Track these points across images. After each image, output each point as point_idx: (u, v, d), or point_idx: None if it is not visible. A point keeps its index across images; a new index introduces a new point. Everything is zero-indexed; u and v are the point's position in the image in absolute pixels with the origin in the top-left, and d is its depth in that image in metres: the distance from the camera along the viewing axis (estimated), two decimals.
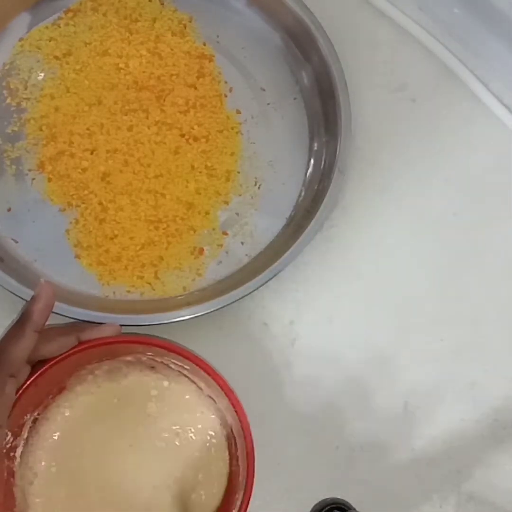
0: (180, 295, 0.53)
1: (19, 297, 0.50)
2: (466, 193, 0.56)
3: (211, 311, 0.51)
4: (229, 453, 0.50)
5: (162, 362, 0.50)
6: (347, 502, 0.52)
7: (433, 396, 0.55)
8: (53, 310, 0.49)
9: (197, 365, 0.47)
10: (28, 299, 0.49)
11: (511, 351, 0.56)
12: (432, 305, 0.55)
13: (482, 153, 0.57)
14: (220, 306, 0.51)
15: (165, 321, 0.50)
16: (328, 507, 0.52)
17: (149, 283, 0.53)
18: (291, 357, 0.54)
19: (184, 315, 0.50)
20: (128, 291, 0.53)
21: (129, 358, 0.50)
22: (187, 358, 0.47)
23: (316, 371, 0.54)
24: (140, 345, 0.48)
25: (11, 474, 0.48)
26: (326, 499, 0.53)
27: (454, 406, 0.55)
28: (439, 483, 0.55)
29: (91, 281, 0.53)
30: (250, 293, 0.51)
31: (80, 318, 0.50)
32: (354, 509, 0.51)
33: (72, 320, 0.50)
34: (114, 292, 0.53)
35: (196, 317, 0.50)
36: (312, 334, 0.55)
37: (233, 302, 0.51)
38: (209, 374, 0.47)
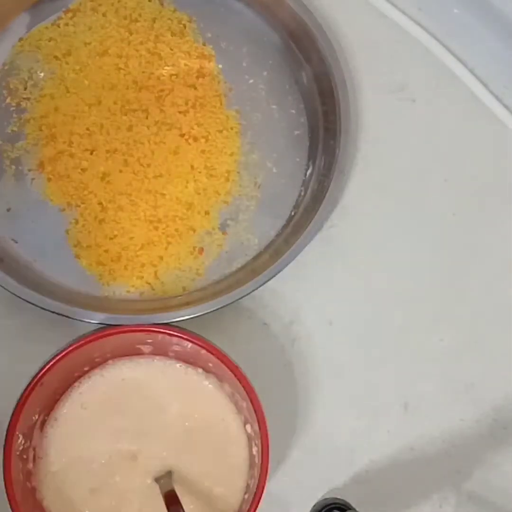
0: (180, 295, 0.53)
1: (19, 297, 0.50)
2: (466, 193, 0.56)
3: (211, 311, 0.51)
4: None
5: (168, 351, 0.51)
6: (347, 502, 0.52)
7: (433, 396, 0.55)
8: (53, 310, 0.50)
9: (209, 351, 0.48)
10: (28, 299, 0.50)
11: (511, 351, 0.56)
12: (432, 305, 0.55)
13: (482, 153, 0.57)
14: (220, 306, 0.51)
15: (165, 321, 0.50)
16: (328, 507, 0.52)
17: (149, 283, 0.53)
18: (291, 357, 0.54)
19: (184, 315, 0.50)
20: (128, 291, 0.53)
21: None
22: (197, 344, 0.48)
23: (316, 371, 0.54)
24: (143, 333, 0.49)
25: (27, 476, 0.49)
26: (326, 499, 0.53)
27: (454, 406, 0.55)
28: (439, 483, 0.55)
29: (91, 281, 0.53)
30: (250, 293, 0.51)
31: (80, 318, 0.50)
32: (354, 509, 0.51)
33: (71, 320, 0.50)
34: (114, 292, 0.53)
35: (196, 317, 0.50)
36: (312, 334, 0.55)
37: (233, 302, 0.51)
38: (217, 356, 0.48)
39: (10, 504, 0.46)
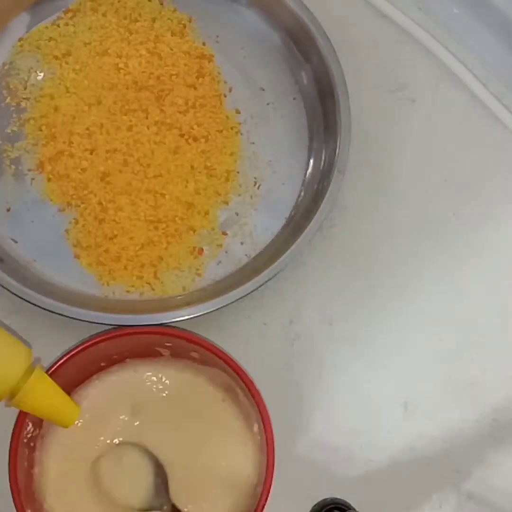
0: (180, 295, 0.53)
1: (19, 297, 0.50)
2: (466, 193, 0.56)
3: (211, 311, 0.51)
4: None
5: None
6: (347, 502, 0.52)
7: (433, 396, 0.55)
8: (53, 310, 0.50)
9: (214, 353, 0.48)
10: (28, 299, 0.50)
11: (511, 351, 0.56)
12: (432, 305, 0.55)
13: (482, 153, 0.57)
14: (219, 306, 0.51)
15: (165, 321, 0.50)
16: (328, 507, 0.52)
17: (149, 283, 0.53)
18: (291, 357, 0.54)
19: (183, 315, 0.50)
20: (128, 291, 0.53)
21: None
22: (202, 346, 0.48)
23: (316, 371, 0.54)
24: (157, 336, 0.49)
25: (31, 464, 0.49)
26: (326, 499, 0.53)
27: (454, 406, 0.55)
28: (439, 483, 0.54)
29: (90, 281, 0.53)
30: (250, 293, 0.51)
31: (79, 318, 0.50)
32: (354, 509, 0.51)
33: (71, 320, 0.50)
34: (113, 292, 0.53)
35: (195, 317, 0.50)
36: (312, 334, 0.55)
37: (233, 302, 0.51)
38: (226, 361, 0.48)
39: (11, 488, 0.46)
